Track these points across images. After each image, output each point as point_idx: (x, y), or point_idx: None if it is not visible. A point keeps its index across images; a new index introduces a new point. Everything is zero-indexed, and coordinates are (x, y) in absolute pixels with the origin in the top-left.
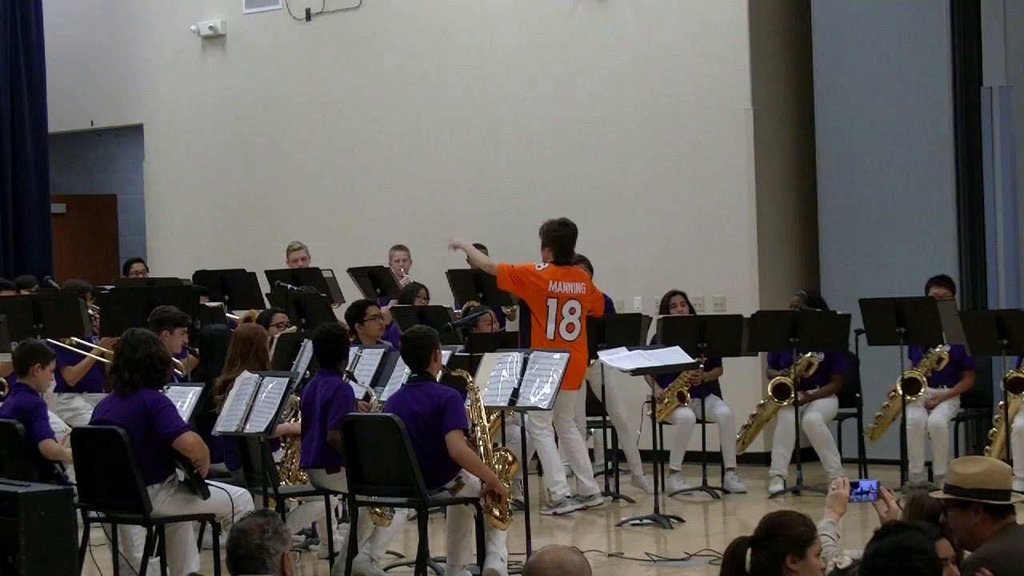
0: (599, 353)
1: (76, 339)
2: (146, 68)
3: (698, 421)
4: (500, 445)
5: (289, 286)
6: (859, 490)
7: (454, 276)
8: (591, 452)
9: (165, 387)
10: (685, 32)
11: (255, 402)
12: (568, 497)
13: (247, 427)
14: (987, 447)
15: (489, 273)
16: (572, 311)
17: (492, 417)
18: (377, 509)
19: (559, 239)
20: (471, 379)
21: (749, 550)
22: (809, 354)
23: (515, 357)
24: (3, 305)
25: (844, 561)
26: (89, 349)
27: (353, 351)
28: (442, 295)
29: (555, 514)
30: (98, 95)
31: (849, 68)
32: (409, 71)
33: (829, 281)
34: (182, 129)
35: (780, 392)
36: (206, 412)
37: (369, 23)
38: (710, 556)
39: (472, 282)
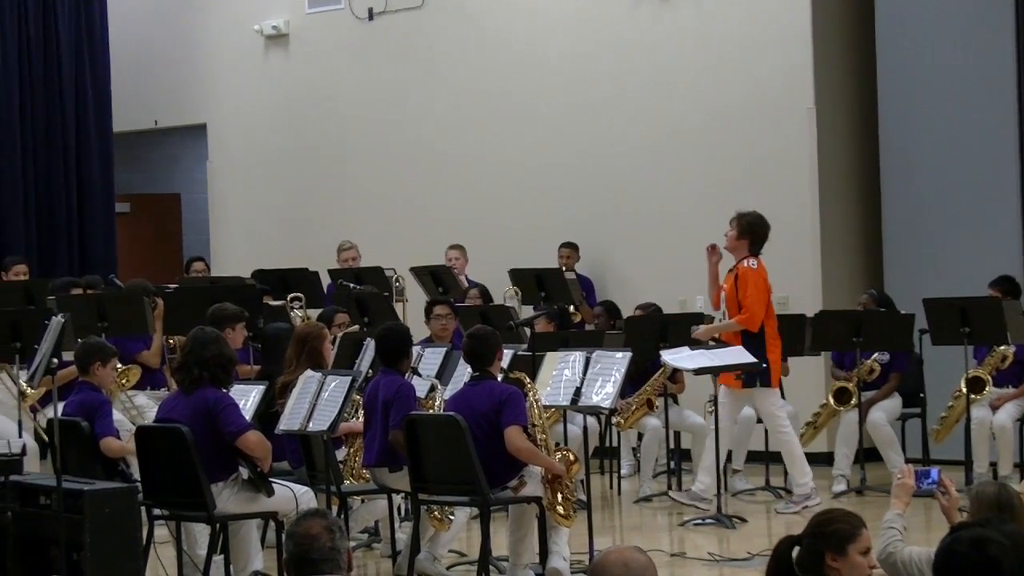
0: (661, 353)
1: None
2: (209, 67)
3: (759, 420)
4: (562, 445)
5: (352, 285)
6: (930, 480)
7: (516, 275)
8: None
9: (228, 387)
10: (747, 31)
11: (318, 400)
12: (813, 489)
13: (310, 425)
14: None
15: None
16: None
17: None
18: (436, 513)
19: (763, 236)
20: (529, 381)
21: (796, 548)
22: (873, 358)
23: (577, 356)
24: (67, 304)
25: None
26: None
27: (416, 350)
28: (499, 294)
29: (805, 508)
30: (162, 94)
31: (913, 66)
32: (470, 70)
33: (893, 280)
34: (245, 128)
35: (840, 396)
36: (267, 411)
37: (431, 23)
38: None
39: (535, 281)
